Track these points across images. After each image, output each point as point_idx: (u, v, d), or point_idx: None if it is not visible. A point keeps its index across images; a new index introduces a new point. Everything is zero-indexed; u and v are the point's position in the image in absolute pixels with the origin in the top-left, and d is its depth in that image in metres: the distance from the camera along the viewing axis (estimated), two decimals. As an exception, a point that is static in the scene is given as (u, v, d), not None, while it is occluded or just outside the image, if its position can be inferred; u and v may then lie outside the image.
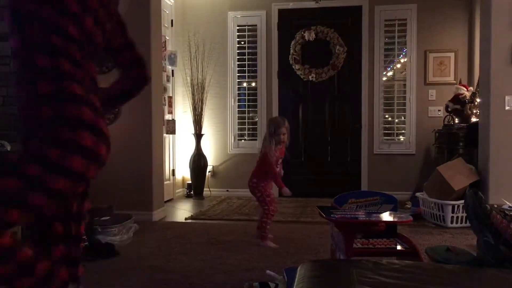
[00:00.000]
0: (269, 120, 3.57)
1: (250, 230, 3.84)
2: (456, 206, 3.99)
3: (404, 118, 5.70)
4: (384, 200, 2.62)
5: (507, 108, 4.03)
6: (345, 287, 1.35)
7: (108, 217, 3.56)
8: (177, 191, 5.83)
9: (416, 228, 3.93)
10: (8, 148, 2.93)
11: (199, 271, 2.80)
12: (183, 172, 5.97)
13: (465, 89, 4.97)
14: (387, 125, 5.75)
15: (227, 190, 5.92)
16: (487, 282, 1.50)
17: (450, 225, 3.99)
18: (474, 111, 4.77)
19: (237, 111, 5.99)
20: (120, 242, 3.38)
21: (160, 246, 3.43)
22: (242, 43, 5.99)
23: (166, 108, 5.37)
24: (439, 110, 5.52)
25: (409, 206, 4.68)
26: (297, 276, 1.54)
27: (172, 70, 5.65)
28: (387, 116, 5.77)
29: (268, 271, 2.55)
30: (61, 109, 1.21)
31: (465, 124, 4.73)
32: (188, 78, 5.76)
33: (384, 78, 5.74)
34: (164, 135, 5.13)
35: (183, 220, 4.41)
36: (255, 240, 3.45)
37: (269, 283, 2.24)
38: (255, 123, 5.98)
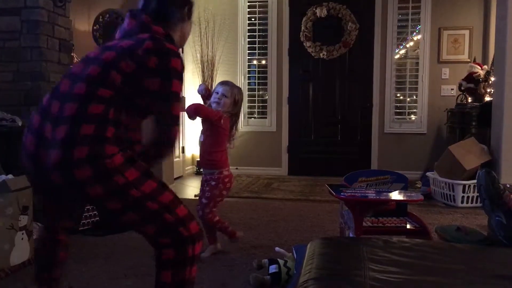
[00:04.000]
0: (232, 85, 2.81)
1: (259, 208, 3.86)
2: (467, 186, 3.96)
3: (416, 97, 5.62)
4: (395, 179, 2.60)
5: (522, 87, 3.96)
6: (355, 264, 1.35)
7: (118, 193, 3.58)
8: (187, 168, 5.85)
9: (426, 207, 3.91)
10: (20, 123, 2.93)
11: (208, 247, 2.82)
12: (193, 150, 5.98)
13: (479, 68, 4.87)
14: (398, 104, 5.68)
15: (237, 168, 5.91)
16: (498, 261, 1.49)
17: (460, 204, 3.97)
18: (488, 90, 4.69)
19: (247, 89, 5.95)
20: (131, 218, 3.41)
21: (170, 222, 3.45)
22: (253, 19, 5.91)
23: (176, 85, 5.34)
24: (452, 89, 5.44)
25: (419, 186, 4.65)
26: (306, 253, 1.54)
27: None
28: (398, 95, 5.69)
29: (277, 248, 2.56)
30: None
31: (478, 103, 4.66)
32: (198, 55, 5.71)
33: (397, 56, 5.65)
34: (174, 112, 5.12)
35: (193, 197, 4.43)
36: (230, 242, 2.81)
37: (278, 260, 2.25)
38: (265, 101, 5.94)
